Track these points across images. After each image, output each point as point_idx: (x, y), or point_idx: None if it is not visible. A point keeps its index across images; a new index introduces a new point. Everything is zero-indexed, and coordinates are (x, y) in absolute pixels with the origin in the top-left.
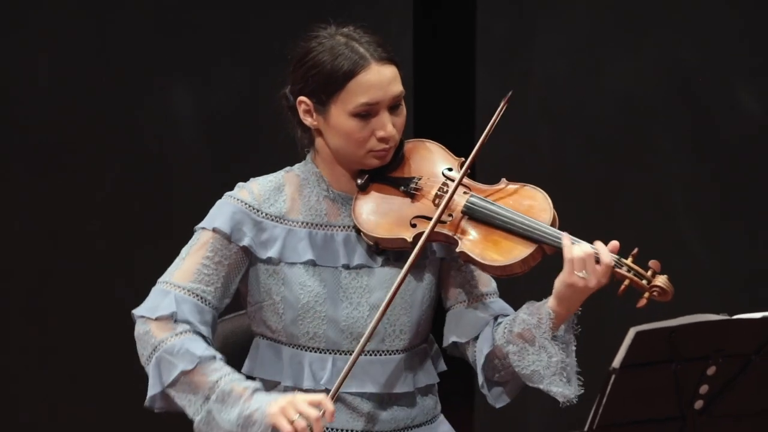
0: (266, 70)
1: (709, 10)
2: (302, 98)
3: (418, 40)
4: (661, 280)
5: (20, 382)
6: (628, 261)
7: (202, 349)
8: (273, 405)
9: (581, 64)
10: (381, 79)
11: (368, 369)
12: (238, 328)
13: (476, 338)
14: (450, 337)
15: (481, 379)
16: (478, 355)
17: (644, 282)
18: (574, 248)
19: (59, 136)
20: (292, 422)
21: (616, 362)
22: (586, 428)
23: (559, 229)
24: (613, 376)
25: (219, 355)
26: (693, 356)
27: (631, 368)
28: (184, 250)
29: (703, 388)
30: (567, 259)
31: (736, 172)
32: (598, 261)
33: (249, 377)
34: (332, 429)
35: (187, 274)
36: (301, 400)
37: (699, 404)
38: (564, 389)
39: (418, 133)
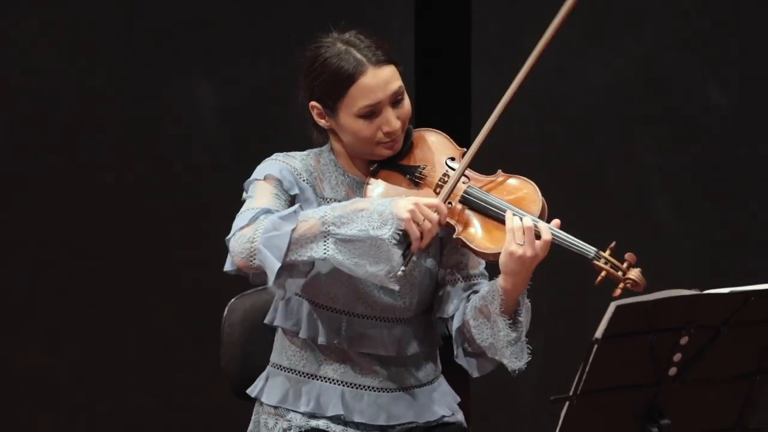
0: (280, 67)
1: (682, 13)
2: (313, 103)
3: (418, 38)
4: (634, 273)
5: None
6: (606, 254)
7: (290, 210)
8: (400, 208)
9: (567, 62)
10: (378, 81)
11: (379, 333)
12: (257, 302)
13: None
14: (437, 313)
15: (455, 350)
16: (453, 329)
17: (619, 273)
18: (515, 219)
19: (90, 129)
20: (419, 224)
21: (598, 333)
22: (570, 393)
23: (548, 215)
24: (595, 346)
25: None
26: (667, 327)
27: (612, 339)
28: (248, 195)
29: (677, 357)
30: (508, 229)
31: (706, 160)
32: (539, 237)
33: (271, 327)
34: (344, 383)
35: (265, 201)
36: (422, 203)
37: (673, 371)
38: (510, 362)
39: (419, 124)
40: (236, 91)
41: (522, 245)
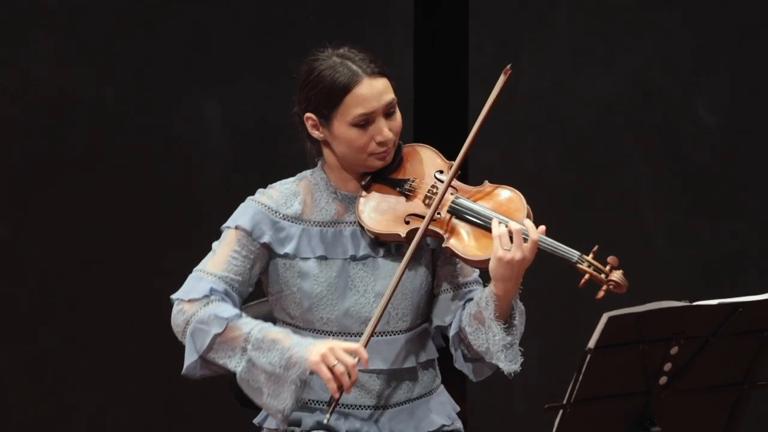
0: (285, 85)
1: (672, 32)
2: (308, 115)
3: (417, 59)
4: (616, 275)
5: (58, 373)
6: (589, 257)
7: (229, 311)
8: (313, 351)
9: (560, 80)
10: (373, 91)
11: (376, 348)
12: (260, 314)
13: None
14: (435, 321)
15: (454, 356)
16: (450, 335)
17: (602, 276)
18: (500, 226)
19: (102, 144)
20: (331, 368)
21: (591, 343)
22: (564, 402)
23: (537, 224)
24: (588, 356)
25: (245, 314)
26: (658, 338)
27: (604, 349)
28: (214, 245)
29: (667, 366)
30: (495, 236)
31: (695, 176)
32: (526, 239)
33: None
34: (343, 405)
35: (219, 264)
36: (339, 347)
37: (663, 380)
38: (506, 365)
39: (418, 138)
40: (244, 109)
41: (509, 250)
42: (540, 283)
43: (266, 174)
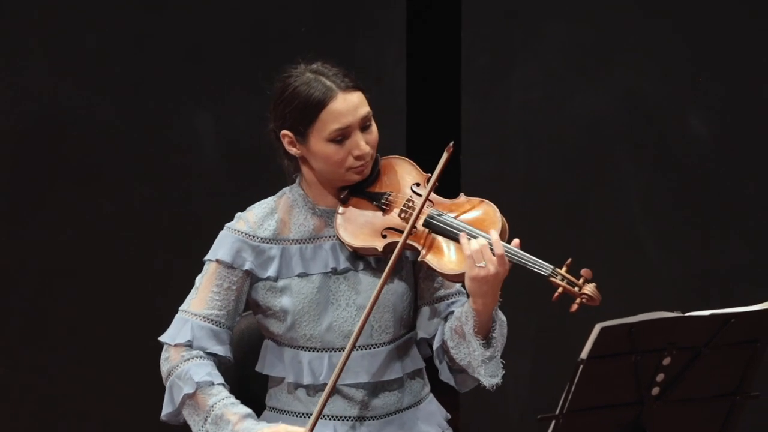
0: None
1: (664, 46)
2: (284, 132)
3: (410, 71)
4: (589, 289)
5: (56, 383)
6: (563, 270)
7: (202, 374)
8: None
9: (553, 93)
10: (348, 105)
11: (360, 362)
12: (254, 324)
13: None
14: (419, 333)
15: (439, 367)
16: (434, 348)
17: (576, 289)
18: (471, 243)
19: (95, 156)
20: None
21: (584, 354)
22: (557, 412)
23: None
24: (580, 367)
25: (219, 381)
26: (650, 348)
27: (596, 359)
28: (197, 280)
29: (660, 377)
30: (467, 255)
31: (687, 187)
32: (492, 251)
33: (260, 373)
34: (331, 416)
35: (201, 303)
36: (284, 430)
37: (656, 391)
38: (486, 379)
39: (410, 149)
40: (236, 121)
41: (483, 266)
42: (533, 293)
43: (258, 186)
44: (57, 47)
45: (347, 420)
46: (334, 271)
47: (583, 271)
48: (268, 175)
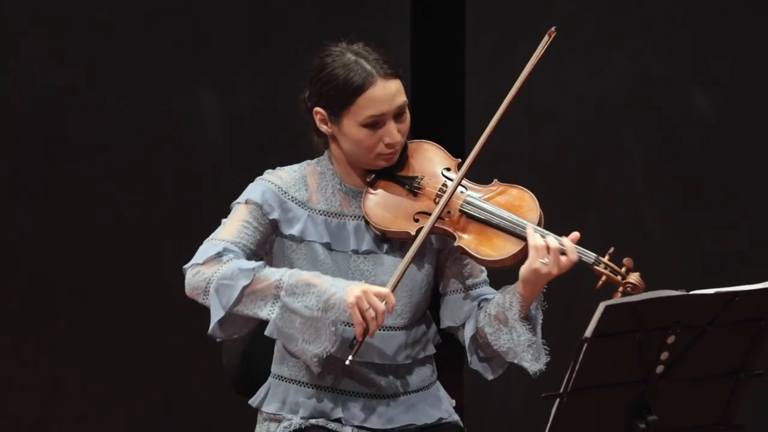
0: (280, 79)
1: (668, 26)
2: (318, 109)
3: (414, 50)
4: (634, 277)
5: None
6: (605, 259)
7: (251, 263)
8: (349, 293)
9: (557, 72)
10: (386, 93)
11: (373, 342)
12: None
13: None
14: (445, 321)
15: (469, 357)
16: (466, 337)
17: (619, 278)
18: (536, 236)
19: (102, 137)
20: (363, 312)
21: (588, 332)
22: (561, 391)
23: (544, 218)
24: (585, 345)
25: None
26: (655, 327)
27: (601, 338)
28: (224, 220)
29: (664, 355)
30: (531, 246)
31: (691, 166)
32: (563, 253)
33: (272, 339)
34: (340, 391)
35: (231, 232)
36: (371, 291)
37: (660, 369)
38: (532, 364)
39: (414, 133)
40: (241, 101)
41: (546, 263)
42: None
43: (263, 165)
44: (58, 28)
45: (355, 395)
46: (355, 252)
47: (625, 260)
48: (272, 155)
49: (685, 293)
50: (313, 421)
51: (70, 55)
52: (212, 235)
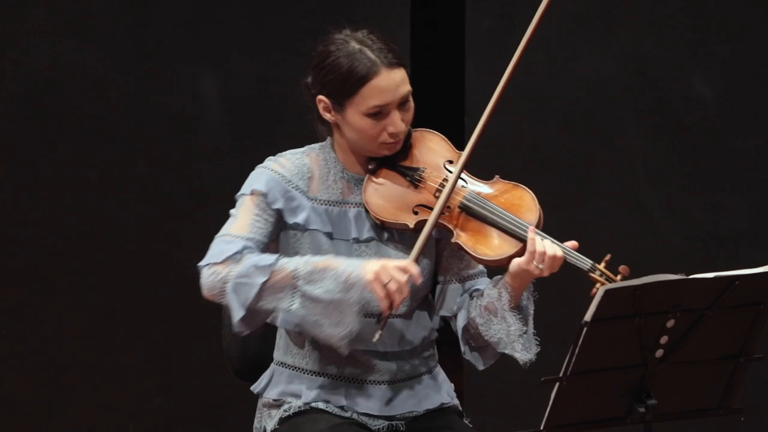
0: (280, 62)
1: (667, 9)
2: (321, 97)
3: (414, 34)
4: None
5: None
6: (601, 266)
7: (267, 258)
8: (367, 270)
9: (557, 56)
10: (390, 83)
11: (373, 330)
12: None
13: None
14: (441, 311)
15: (462, 347)
16: (458, 327)
17: None
18: (538, 243)
19: (99, 121)
20: (384, 286)
21: (587, 316)
22: (561, 374)
23: (542, 210)
24: (584, 329)
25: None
26: (654, 311)
27: (601, 322)
28: (233, 212)
29: (663, 339)
30: (530, 251)
31: (691, 149)
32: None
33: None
34: (343, 378)
35: (243, 227)
36: (391, 265)
37: (659, 353)
38: (522, 354)
39: (415, 119)
40: (240, 84)
41: (540, 267)
42: None
43: (263, 148)
44: (58, 8)
45: (357, 382)
46: (356, 240)
47: (621, 268)
48: (272, 137)
49: (684, 277)
50: (313, 404)
51: (68, 38)
52: (224, 230)
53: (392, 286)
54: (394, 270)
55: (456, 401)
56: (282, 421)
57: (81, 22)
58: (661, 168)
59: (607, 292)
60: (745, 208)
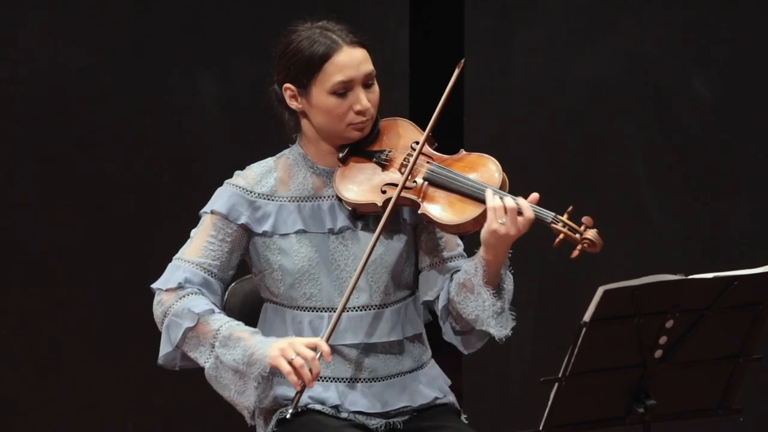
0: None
1: (667, 9)
2: (287, 85)
3: (413, 34)
4: (591, 234)
5: (60, 347)
6: (564, 217)
7: (202, 305)
8: (273, 347)
9: (556, 55)
10: (352, 59)
11: (359, 322)
12: (244, 291)
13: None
14: (423, 297)
15: (443, 328)
16: (439, 308)
17: (577, 235)
18: (495, 198)
19: (98, 121)
20: (290, 362)
21: (586, 317)
22: (560, 375)
23: (508, 183)
24: (583, 330)
25: (218, 309)
26: (653, 311)
27: (600, 322)
28: (192, 232)
29: (663, 339)
30: (489, 208)
31: (690, 150)
32: (520, 213)
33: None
34: (330, 378)
35: (195, 251)
36: (299, 342)
37: (658, 353)
38: (498, 330)
39: (413, 113)
40: (239, 85)
41: (504, 224)
42: (535, 256)
43: (262, 150)
44: (55, 11)
45: (348, 381)
46: (332, 232)
47: (584, 219)
48: (269, 137)
49: (683, 277)
50: (309, 406)
51: (68, 39)
52: (179, 253)
53: (298, 362)
54: (301, 346)
55: (451, 398)
56: (279, 423)
57: (81, 22)
58: (660, 168)
59: (606, 293)
60: (744, 208)
